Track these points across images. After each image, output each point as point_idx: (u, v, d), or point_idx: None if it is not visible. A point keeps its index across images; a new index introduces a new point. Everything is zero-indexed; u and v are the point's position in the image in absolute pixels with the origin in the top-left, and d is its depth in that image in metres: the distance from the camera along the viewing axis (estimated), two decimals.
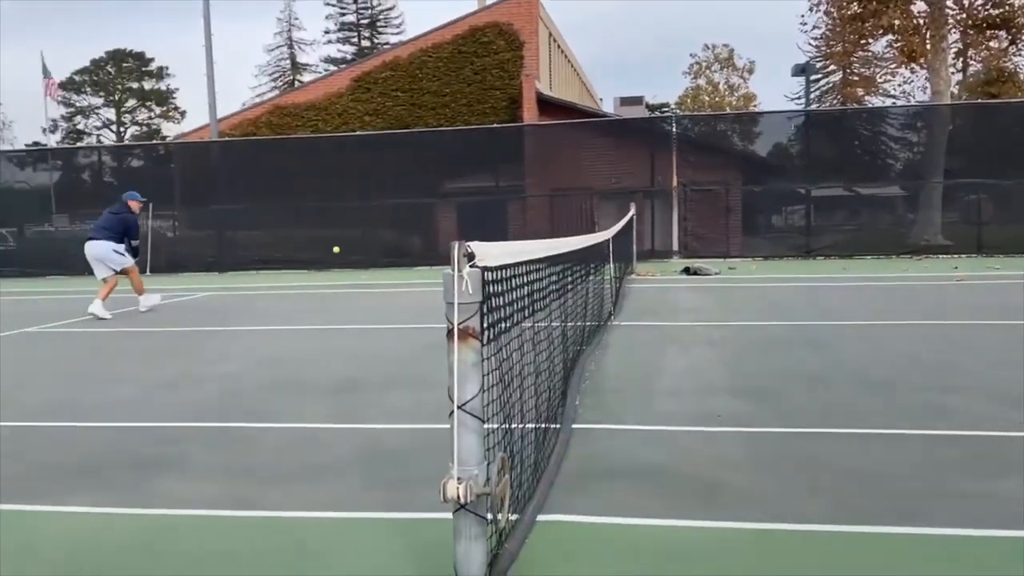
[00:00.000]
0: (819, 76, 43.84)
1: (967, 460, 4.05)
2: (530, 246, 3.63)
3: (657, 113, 43.30)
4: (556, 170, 19.91)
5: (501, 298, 2.84)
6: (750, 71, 56.26)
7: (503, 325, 2.87)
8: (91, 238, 11.10)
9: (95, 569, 3.04)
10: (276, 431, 4.95)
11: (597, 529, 3.27)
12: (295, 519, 3.45)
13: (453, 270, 2.28)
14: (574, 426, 4.67)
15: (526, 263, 3.52)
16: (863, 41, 26.51)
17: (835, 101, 42.71)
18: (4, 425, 5.24)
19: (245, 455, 4.46)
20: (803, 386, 5.74)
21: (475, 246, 2.36)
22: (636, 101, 36.50)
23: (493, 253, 2.57)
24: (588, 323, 6.96)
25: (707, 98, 55.46)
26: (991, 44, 27.29)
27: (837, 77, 43.67)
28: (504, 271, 2.91)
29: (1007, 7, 24.04)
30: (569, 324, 5.43)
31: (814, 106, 39.92)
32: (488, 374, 2.54)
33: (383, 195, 19.86)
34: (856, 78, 41.06)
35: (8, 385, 6.75)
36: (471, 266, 2.31)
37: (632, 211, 14.87)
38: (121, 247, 11.05)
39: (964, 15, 24.69)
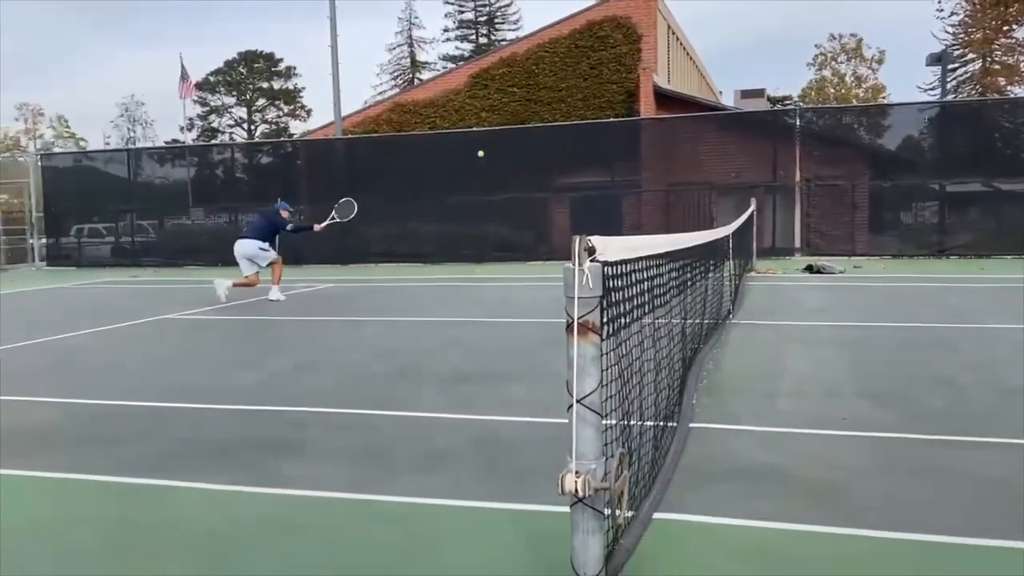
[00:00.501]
0: (956, 65, 41.36)
1: None
2: (649, 241, 3.59)
3: (779, 106, 41.96)
4: (673, 164, 19.60)
5: (621, 293, 2.83)
6: (879, 61, 53.61)
7: (622, 320, 2.85)
8: (241, 237, 11.90)
9: (226, 543, 3.21)
10: (395, 419, 5.09)
11: (712, 530, 3.21)
12: (413, 505, 3.54)
13: (574, 264, 2.29)
14: (691, 425, 4.60)
15: (645, 258, 3.48)
16: (1006, 27, 24.95)
17: (973, 91, 40.21)
18: (144, 405, 5.60)
19: (366, 441, 4.60)
20: (934, 391, 5.47)
21: (595, 240, 2.35)
22: (757, 94, 35.41)
23: (613, 247, 2.56)
24: (707, 321, 6.83)
25: (832, 90, 53.30)
26: None
27: (976, 66, 41.06)
28: (624, 266, 2.89)
29: None
30: (688, 321, 5.35)
31: (950, 97, 37.75)
32: (607, 369, 2.53)
33: (498, 190, 20.04)
34: (998, 67, 38.50)
35: (149, 368, 7.21)
36: (591, 260, 2.31)
37: (753, 206, 14.46)
38: (267, 244, 11.80)
39: None
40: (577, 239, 2.27)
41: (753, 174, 18.75)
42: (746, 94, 34.90)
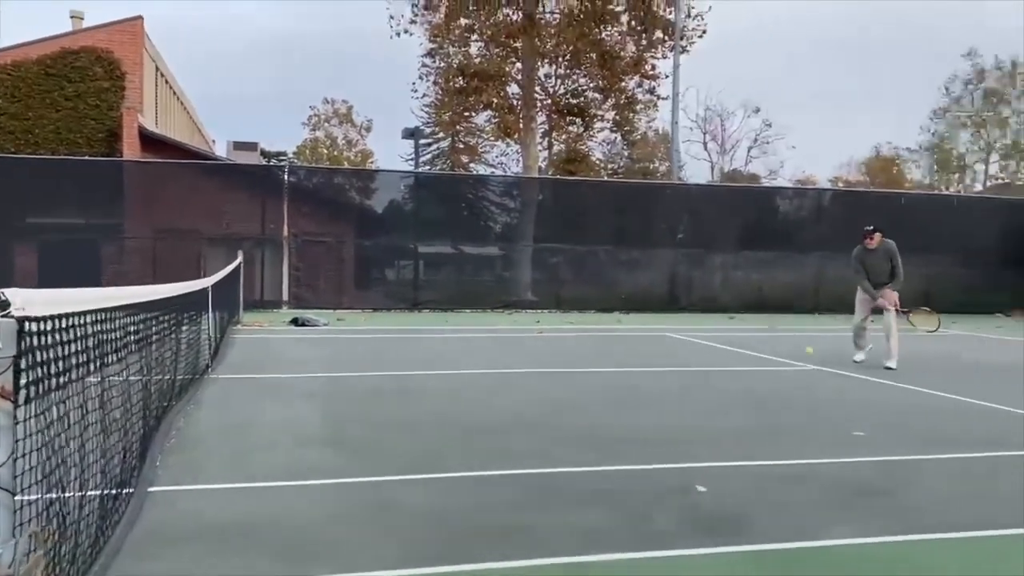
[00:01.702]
0: (429, 141, 46.73)
1: (531, 496, 4.50)
2: (98, 293, 3.34)
3: (274, 161, 42.73)
4: (161, 211, 18.59)
5: (52, 351, 2.56)
6: (368, 129, 58.11)
7: (55, 381, 2.58)
8: None
9: None
10: None
11: None
12: None
13: None
14: (153, 488, 4.34)
15: (93, 312, 3.22)
16: (467, 113, 28.89)
17: (445, 166, 45.81)
18: None
19: None
20: (394, 434, 5.97)
21: (12, 293, 2.10)
22: (251, 147, 35.56)
23: (38, 300, 2.31)
24: (180, 377, 6.55)
25: (326, 151, 56.04)
26: (570, 128, 31.42)
27: (446, 143, 46.92)
28: (58, 321, 2.63)
29: (583, 99, 27.96)
30: (154, 378, 5.06)
31: (425, 168, 42.47)
32: (26, 438, 2.26)
33: None
34: (462, 146, 44.51)
35: None
36: (4, 315, 2.05)
37: (240, 259, 14.39)
38: None
39: (549, 101, 28.17)
40: None
41: (244, 226, 18.70)
42: (239, 146, 34.86)
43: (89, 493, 3.14)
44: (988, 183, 44.70)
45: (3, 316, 2.04)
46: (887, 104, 72.91)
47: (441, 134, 44.67)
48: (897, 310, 9.88)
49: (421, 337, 13.36)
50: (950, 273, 20.65)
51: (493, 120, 28.69)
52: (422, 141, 40.95)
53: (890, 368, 9.66)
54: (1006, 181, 43.77)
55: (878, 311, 10.04)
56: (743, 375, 9.81)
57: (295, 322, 14.52)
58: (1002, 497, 4.65)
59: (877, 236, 9.92)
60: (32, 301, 2.26)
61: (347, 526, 3.94)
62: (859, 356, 10.19)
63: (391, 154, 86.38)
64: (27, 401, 2.25)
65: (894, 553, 3.75)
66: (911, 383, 8.77)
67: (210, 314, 8.89)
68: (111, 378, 3.60)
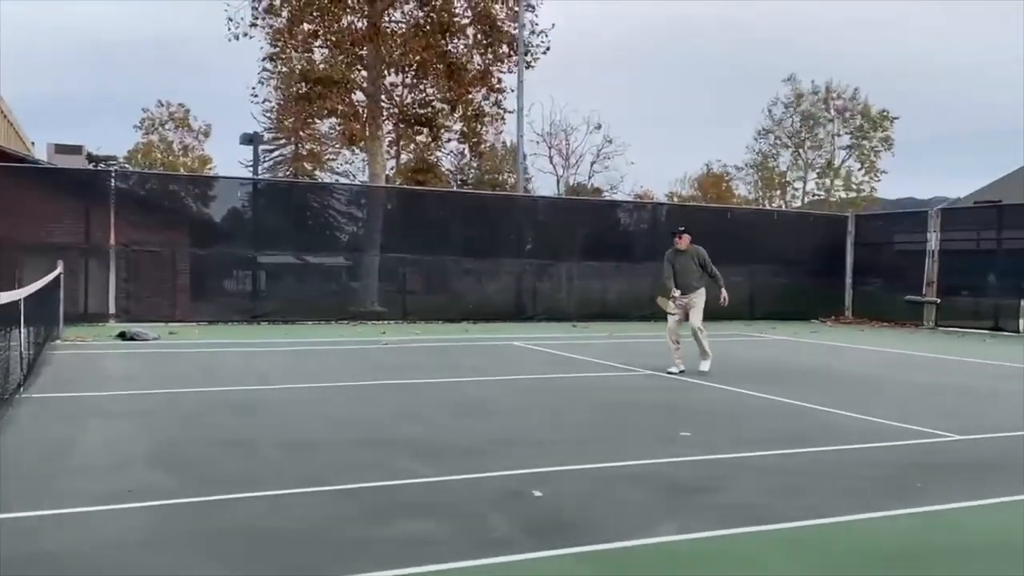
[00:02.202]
0: (272, 147, 45.34)
1: (367, 509, 4.43)
2: None
3: (102, 166, 40.13)
4: None
5: None
6: (206, 134, 55.63)
7: None
8: None
9: None
10: None
11: None
12: None
13: None
14: None
15: None
16: (310, 120, 28.18)
17: (288, 172, 44.54)
18: None
19: None
20: (227, 452, 5.71)
21: None
22: (75, 150, 33.15)
23: None
24: None
25: (160, 156, 53.24)
26: (418, 139, 31.31)
27: (288, 150, 45.66)
28: None
29: (431, 109, 27.86)
30: None
31: (267, 175, 41.12)
32: None
33: None
34: (306, 153, 43.48)
35: None
36: None
37: (59, 269, 13.38)
38: None
39: (397, 110, 27.96)
40: None
41: (65, 235, 17.40)
42: (61, 149, 32.49)
43: None
44: (806, 199, 48.20)
45: None
46: (718, 123, 77.49)
47: (283, 140, 43.48)
48: (724, 304, 10.25)
49: (259, 350, 12.87)
50: (771, 282, 22.09)
51: (338, 127, 28.15)
52: (263, 147, 39.68)
53: (703, 371, 10.03)
54: (822, 197, 47.36)
55: (685, 317, 10.32)
56: (580, 380, 10.08)
57: (122, 336, 13.64)
58: (816, 489, 5.00)
59: (686, 237, 10.22)
60: None
61: (170, 551, 3.73)
62: (674, 369, 10.05)
63: (231, 160, 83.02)
64: None
65: (723, 546, 3.94)
66: (733, 385, 9.30)
67: (22, 329, 8.20)
68: None
